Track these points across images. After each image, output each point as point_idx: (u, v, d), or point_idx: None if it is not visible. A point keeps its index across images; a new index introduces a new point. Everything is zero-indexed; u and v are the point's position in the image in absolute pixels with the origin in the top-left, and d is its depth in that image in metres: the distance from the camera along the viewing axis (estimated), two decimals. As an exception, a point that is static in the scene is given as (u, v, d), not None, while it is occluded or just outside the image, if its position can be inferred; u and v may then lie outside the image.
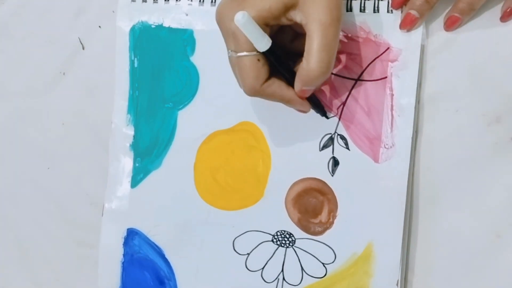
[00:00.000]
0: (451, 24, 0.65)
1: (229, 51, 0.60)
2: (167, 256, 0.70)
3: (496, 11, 0.65)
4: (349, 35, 0.67)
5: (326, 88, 0.67)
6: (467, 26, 0.66)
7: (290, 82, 0.61)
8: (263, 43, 0.58)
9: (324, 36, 0.58)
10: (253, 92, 0.61)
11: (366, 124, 0.66)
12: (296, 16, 0.59)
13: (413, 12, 0.64)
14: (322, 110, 0.66)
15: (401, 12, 0.66)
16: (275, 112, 0.68)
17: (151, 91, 0.70)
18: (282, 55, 0.61)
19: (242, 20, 0.56)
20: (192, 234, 0.70)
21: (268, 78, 0.61)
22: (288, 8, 0.59)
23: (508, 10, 0.64)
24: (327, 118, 0.67)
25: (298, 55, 0.61)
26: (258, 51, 0.59)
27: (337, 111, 0.67)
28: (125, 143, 0.71)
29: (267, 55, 0.59)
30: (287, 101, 0.63)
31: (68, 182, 0.74)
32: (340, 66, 0.67)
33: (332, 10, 0.58)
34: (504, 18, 0.65)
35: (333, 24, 0.58)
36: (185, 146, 0.70)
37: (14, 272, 0.74)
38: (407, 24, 0.65)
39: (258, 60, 0.59)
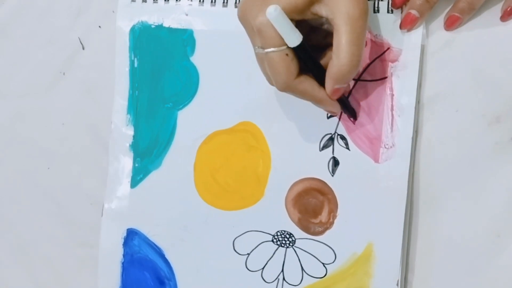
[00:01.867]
0: (451, 24, 0.65)
1: (256, 47, 0.59)
2: (167, 256, 0.70)
3: (496, 10, 0.65)
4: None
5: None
6: (467, 26, 0.66)
7: (320, 80, 0.60)
8: (294, 38, 0.57)
9: (353, 30, 0.57)
10: (285, 86, 0.60)
11: (366, 124, 0.66)
12: (322, 9, 0.58)
13: (413, 11, 0.64)
14: (352, 112, 0.66)
15: (401, 12, 0.66)
16: (275, 112, 0.68)
17: (151, 91, 0.70)
18: (311, 51, 0.60)
19: (274, 13, 0.55)
20: (192, 234, 0.70)
21: (299, 75, 0.60)
22: (313, 2, 0.58)
23: (508, 9, 0.64)
24: (355, 120, 0.67)
25: (325, 52, 0.61)
26: (286, 46, 0.58)
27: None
28: (125, 143, 0.71)
29: (296, 51, 0.58)
30: (318, 101, 0.62)
31: (68, 182, 0.73)
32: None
33: (359, 2, 0.57)
34: (504, 17, 0.65)
35: (361, 17, 0.57)
36: (185, 146, 0.70)
37: (14, 272, 0.74)
38: (408, 24, 0.65)
39: (287, 55, 0.58)
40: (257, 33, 0.58)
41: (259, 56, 0.60)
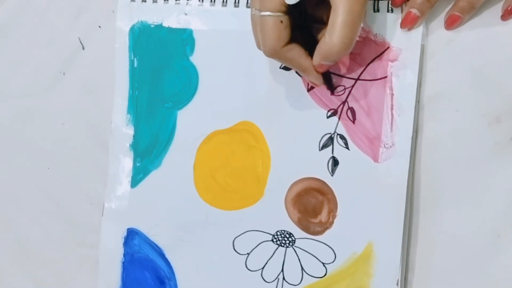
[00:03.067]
0: (451, 23, 0.65)
1: (253, 9, 0.60)
2: (167, 256, 0.70)
3: (496, 10, 0.65)
4: None
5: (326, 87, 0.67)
6: (467, 26, 0.66)
7: (310, 51, 0.61)
8: None
9: (350, 11, 0.57)
10: (272, 52, 0.60)
11: (366, 123, 0.66)
12: None
13: (414, 10, 0.64)
14: (331, 86, 0.66)
15: (401, 11, 0.66)
16: (274, 112, 0.68)
17: (151, 91, 0.70)
18: (306, 20, 0.60)
19: None
20: (192, 234, 0.70)
21: (289, 43, 0.60)
22: None
23: (509, 8, 0.64)
24: (333, 94, 0.67)
25: (319, 23, 0.61)
26: (281, 13, 0.58)
27: (337, 110, 0.67)
28: (125, 143, 0.71)
29: (293, 11, 0.59)
30: (303, 70, 0.62)
31: (68, 182, 0.73)
32: (340, 66, 0.67)
33: None
34: (504, 16, 0.65)
35: (359, 1, 0.58)
36: (184, 146, 0.70)
37: (14, 272, 0.74)
38: (408, 23, 0.65)
39: (281, 22, 0.59)
40: None
41: (254, 19, 0.61)
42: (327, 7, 0.60)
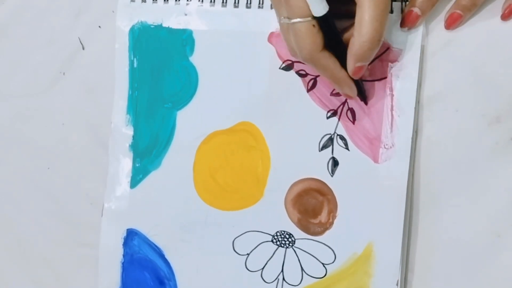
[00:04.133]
0: (452, 22, 0.65)
1: (282, 17, 0.60)
2: (167, 256, 0.70)
3: (496, 10, 0.65)
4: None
5: (326, 88, 0.67)
6: (467, 26, 0.66)
7: (342, 60, 0.61)
8: (321, 7, 0.58)
9: (376, 5, 0.57)
10: (310, 57, 0.60)
11: (366, 124, 0.66)
12: None
13: (415, 9, 0.64)
14: (364, 95, 0.66)
15: (401, 11, 0.66)
16: (274, 112, 0.68)
17: (151, 91, 0.70)
18: (336, 25, 0.60)
19: None
20: (192, 234, 0.69)
21: (324, 49, 0.60)
22: None
23: (509, 8, 0.64)
24: (366, 104, 0.66)
25: (348, 30, 0.61)
26: (312, 17, 0.58)
27: (337, 111, 0.67)
28: (125, 143, 0.71)
29: (321, 22, 0.59)
30: (337, 80, 0.62)
31: (68, 182, 0.73)
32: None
33: None
34: (505, 16, 0.65)
35: None
36: (184, 146, 0.70)
37: (14, 272, 0.74)
38: (409, 22, 0.65)
39: (314, 26, 0.59)
40: (284, 3, 0.59)
41: (284, 27, 0.60)
42: (349, 5, 0.60)
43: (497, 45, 0.65)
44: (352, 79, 0.62)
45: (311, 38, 0.59)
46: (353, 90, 0.63)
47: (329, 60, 0.61)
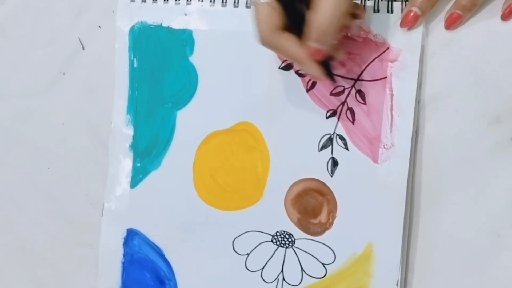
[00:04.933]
0: (452, 22, 0.65)
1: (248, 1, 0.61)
2: (167, 256, 0.70)
3: (496, 9, 0.65)
4: (349, 35, 0.67)
5: (326, 88, 0.67)
6: (467, 26, 0.66)
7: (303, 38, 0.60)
8: None
9: None
10: (264, 39, 0.60)
11: (366, 124, 0.66)
12: None
13: (415, 9, 0.64)
14: (331, 76, 0.64)
15: (401, 11, 0.66)
16: (274, 112, 0.68)
17: (151, 91, 0.70)
18: (298, 8, 0.60)
19: None
20: (192, 234, 0.70)
21: (282, 31, 0.60)
22: None
23: (509, 8, 0.64)
24: (334, 82, 0.65)
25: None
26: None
27: (336, 111, 0.67)
28: (125, 143, 0.71)
29: (283, 3, 0.59)
30: (299, 60, 0.61)
31: (68, 182, 0.74)
32: (339, 66, 0.67)
33: None
34: (505, 16, 0.65)
35: None
36: (184, 146, 0.70)
37: (14, 272, 0.74)
38: (409, 22, 0.65)
39: (274, 8, 0.59)
40: None
41: (252, 6, 0.60)
42: None
43: (497, 45, 0.65)
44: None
45: (269, 19, 0.59)
46: (316, 71, 0.62)
47: (287, 41, 0.60)
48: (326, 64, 0.63)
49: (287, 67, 0.68)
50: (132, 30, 0.71)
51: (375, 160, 0.66)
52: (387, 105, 0.66)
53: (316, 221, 0.67)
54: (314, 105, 0.67)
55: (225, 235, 0.69)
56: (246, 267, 0.69)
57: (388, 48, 0.66)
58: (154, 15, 0.70)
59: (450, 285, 0.66)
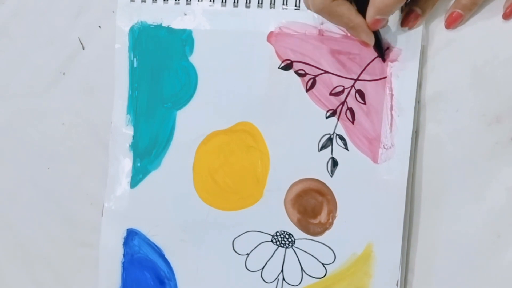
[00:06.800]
0: (452, 21, 0.65)
1: None
2: (167, 256, 0.70)
3: (496, 9, 0.65)
4: (349, 34, 0.66)
5: (325, 87, 0.67)
6: (467, 25, 0.66)
7: (360, 7, 0.61)
8: None
9: None
10: (321, 7, 0.60)
11: (365, 124, 0.66)
12: None
13: (415, 9, 0.64)
14: (381, 50, 0.65)
15: (401, 11, 0.66)
16: (273, 113, 0.68)
17: (150, 91, 0.70)
18: None
19: None
20: (192, 235, 0.70)
21: None
22: None
23: (510, 7, 0.64)
24: (384, 60, 0.66)
25: None
26: None
27: (336, 111, 0.67)
28: (125, 143, 0.71)
29: None
30: (353, 27, 0.62)
31: (68, 182, 0.74)
32: (339, 66, 0.67)
33: None
34: (506, 15, 0.64)
35: None
36: (184, 147, 0.70)
37: (14, 272, 0.75)
38: (410, 22, 0.65)
39: None
40: None
41: None
42: None
43: (497, 45, 0.65)
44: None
45: None
46: (370, 38, 0.62)
47: (343, 7, 0.60)
48: (376, 34, 0.63)
49: (287, 67, 0.68)
50: (132, 30, 0.71)
51: (375, 160, 0.66)
52: (387, 105, 0.66)
53: (316, 221, 0.67)
54: (313, 105, 0.67)
55: (225, 235, 0.69)
56: (246, 267, 0.69)
57: (388, 48, 0.66)
58: (154, 15, 0.70)
59: (450, 285, 0.66)
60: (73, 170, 0.74)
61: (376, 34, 0.63)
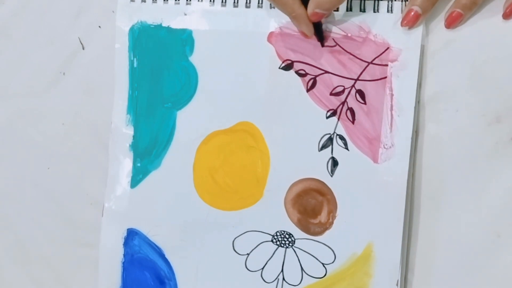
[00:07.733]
0: (452, 21, 0.65)
1: None
2: (167, 256, 0.70)
3: (496, 9, 0.65)
4: (349, 34, 0.67)
5: (326, 87, 0.67)
6: (467, 25, 0.66)
7: (305, 3, 0.64)
8: None
9: None
10: None
11: (366, 124, 0.66)
12: None
13: (415, 8, 0.64)
14: (321, 38, 0.67)
15: (401, 11, 0.66)
16: (274, 112, 0.68)
17: (150, 91, 0.70)
18: None
19: None
20: (192, 234, 0.70)
21: None
22: None
23: (510, 7, 0.64)
24: (323, 46, 0.67)
25: None
26: None
27: (336, 110, 0.67)
28: (125, 143, 0.71)
29: None
30: (295, 17, 0.65)
31: (68, 182, 0.73)
32: (339, 66, 0.67)
33: None
34: (506, 15, 0.65)
35: None
36: (184, 146, 0.70)
37: (14, 272, 0.74)
38: (409, 21, 0.65)
39: None
40: None
41: None
42: None
43: (497, 45, 0.65)
44: None
45: None
46: (309, 29, 0.65)
47: None
48: (317, 24, 0.66)
49: (287, 67, 0.68)
50: (132, 30, 0.71)
51: (375, 160, 0.66)
52: (387, 105, 0.66)
53: (316, 221, 0.67)
54: (314, 105, 0.67)
55: (225, 235, 0.69)
56: (246, 267, 0.69)
57: (388, 48, 0.66)
58: (154, 15, 0.70)
59: (450, 285, 0.66)
60: (73, 170, 0.74)
61: (318, 25, 0.66)
